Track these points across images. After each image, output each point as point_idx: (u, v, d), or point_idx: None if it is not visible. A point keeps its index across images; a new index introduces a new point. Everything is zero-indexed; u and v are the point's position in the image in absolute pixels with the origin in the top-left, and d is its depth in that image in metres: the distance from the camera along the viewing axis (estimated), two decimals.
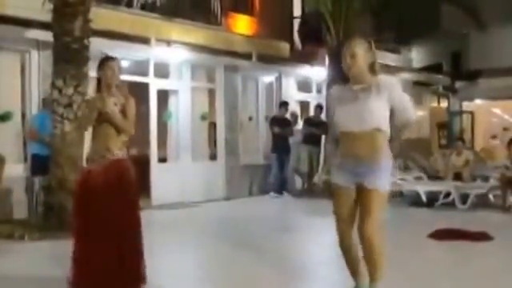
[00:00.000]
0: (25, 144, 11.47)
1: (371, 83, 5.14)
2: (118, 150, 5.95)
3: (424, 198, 12.84)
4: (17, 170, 11.04)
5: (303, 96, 18.24)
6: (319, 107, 16.45)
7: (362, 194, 5.15)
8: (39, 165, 10.47)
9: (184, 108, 14.69)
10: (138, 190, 6.09)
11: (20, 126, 11.59)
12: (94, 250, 5.77)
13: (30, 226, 9.98)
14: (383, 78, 5.21)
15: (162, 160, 14.40)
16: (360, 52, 5.17)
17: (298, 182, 16.62)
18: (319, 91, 18.46)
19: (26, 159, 11.41)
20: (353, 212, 5.24)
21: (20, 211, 11.01)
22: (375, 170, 5.06)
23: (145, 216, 9.65)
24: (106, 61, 6.12)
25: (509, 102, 23.91)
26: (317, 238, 9.45)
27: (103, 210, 5.73)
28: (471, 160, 14.27)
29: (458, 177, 13.72)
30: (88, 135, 6.40)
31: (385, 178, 5.13)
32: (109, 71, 6.01)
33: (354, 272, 5.38)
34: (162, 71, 14.16)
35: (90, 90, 9.03)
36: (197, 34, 14.71)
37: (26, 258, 7.97)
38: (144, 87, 13.54)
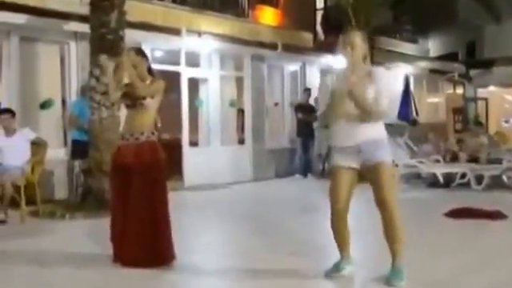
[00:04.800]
0: (65, 129, 11.51)
1: (364, 73, 5.18)
2: (151, 133, 6.03)
3: (441, 179, 12.71)
4: (58, 153, 11.06)
5: None
6: None
7: (367, 172, 5.15)
8: (79, 149, 10.50)
9: (214, 95, 14.65)
10: (167, 171, 6.13)
11: (60, 113, 11.62)
12: (129, 224, 5.82)
13: (70, 205, 10.03)
14: (376, 70, 5.29)
15: (194, 144, 14.37)
16: (359, 42, 5.22)
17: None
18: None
19: (66, 143, 11.45)
20: (349, 194, 5.26)
21: (61, 192, 11.08)
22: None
23: (177, 197, 9.67)
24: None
25: None
26: None
27: (137, 187, 5.79)
28: (485, 144, 14.12)
29: (473, 159, 13.56)
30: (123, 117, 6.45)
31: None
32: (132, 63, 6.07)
33: (340, 249, 5.40)
34: (193, 61, 14.11)
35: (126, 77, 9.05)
36: (225, 25, 14.63)
37: (66, 235, 7.99)
38: (176, 76, 13.51)
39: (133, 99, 5.98)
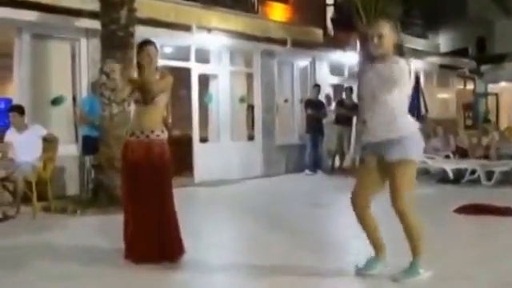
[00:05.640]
0: (76, 125, 11.57)
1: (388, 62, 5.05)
2: (160, 132, 6.02)
3: (451, 175, 12.70)
4: (69, 149, 11.11)
5: (336, 79, 18.10)
6: (349, 89, 16.31)
7: (387, 169, 5.09)
8: (89, 145, 10.54)
9: (224, 91, 14.67)
10: (173, 170, 6.17)
11: (71, 109, 11.67)
12: (139, 223, 5.85)
13: (81, 201, 10.10)
14: (398, 61, 5.06)
15: (204, 140, 14.38)
16: (387, 32, 5.07)
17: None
18: (351, 75, 18.32)
19: (77, 139, 11.49)
20: (372, 183, 5.23)
21: (72, 188, 11.13)
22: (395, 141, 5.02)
23: (188, 193, 9.70)
24: (143, 45, 6.12)
25: None
26: (347, 213, 9.39)
27: (146, 187, 5.82)
28: (496, 141, 14.08)
29: (483, 155, 13.54)
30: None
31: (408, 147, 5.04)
32: (146, 57, 6.03)
33: (373, 245, 5.35)
34: (203, 57, 14.12)
35: (135, 74, 9.07)
36: (235, 21, 14.62)
37: (77, 231, 8.04)
38: (186, 72, 13.53)
39: (144, 94, 5.96)
